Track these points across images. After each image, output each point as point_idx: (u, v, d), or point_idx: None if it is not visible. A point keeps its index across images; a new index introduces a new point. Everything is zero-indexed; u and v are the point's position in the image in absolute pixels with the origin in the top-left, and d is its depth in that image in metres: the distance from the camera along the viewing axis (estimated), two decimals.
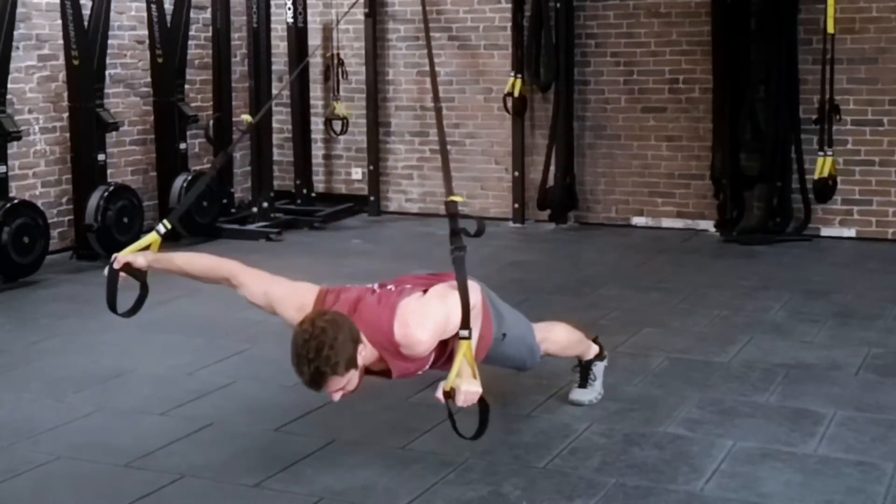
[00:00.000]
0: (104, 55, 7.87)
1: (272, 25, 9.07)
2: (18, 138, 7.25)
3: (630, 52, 8.77)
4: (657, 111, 8.73)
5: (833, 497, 3.63)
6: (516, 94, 8.87)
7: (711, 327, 5.79)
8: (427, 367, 3.89)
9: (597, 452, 4.05)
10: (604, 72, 8.88)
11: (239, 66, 9.40)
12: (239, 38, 9.36)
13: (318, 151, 9.90)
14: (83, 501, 3.75)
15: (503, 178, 9.24)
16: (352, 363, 3.58)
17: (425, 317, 3.71)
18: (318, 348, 3.49)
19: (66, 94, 7.82)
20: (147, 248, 4.12)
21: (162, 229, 4.19)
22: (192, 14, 8.80)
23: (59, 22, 7.63)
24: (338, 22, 9.49)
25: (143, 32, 8.45)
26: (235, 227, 8.76)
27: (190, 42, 8.78)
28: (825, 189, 7.94)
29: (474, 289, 3.77)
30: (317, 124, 9.76)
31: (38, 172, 7.84)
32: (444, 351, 3.81)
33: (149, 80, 8.56)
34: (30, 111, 7.76)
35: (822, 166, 7.85)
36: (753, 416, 4.42)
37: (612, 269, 7.35)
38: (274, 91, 8.96)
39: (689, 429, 4.27)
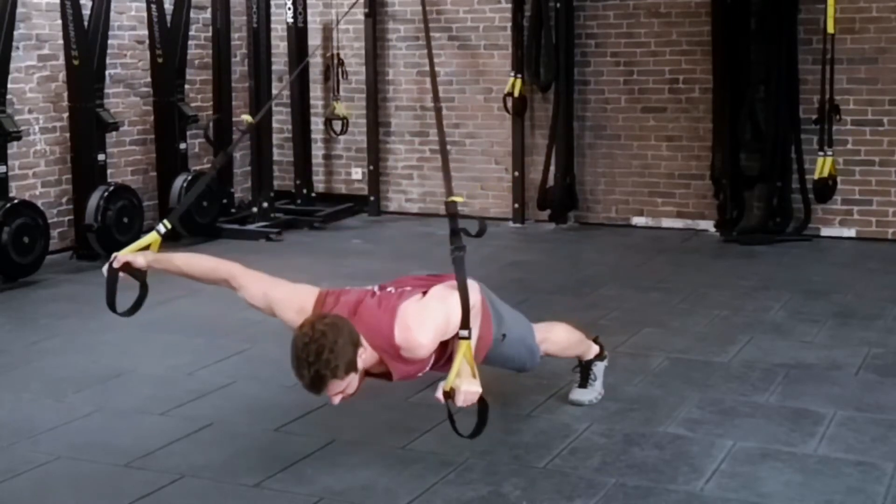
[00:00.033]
0: (104, 55, 7.87)
1: (272, 25, 9.07)
2: (18, 138, 7.25)
3: (630, 52, 8.77)
4: (657, 111, 8.73)
5: (833, 497, 3.63)
6: (516, 94, 8.87)
7: (711, 327, 5.79)
8: (427, 368, 3.89)
9: (597, 452, 4.05)
10: (604, 72, 8.88)
11: (239, 66, 9.40)
12: (239, 38, 9.37)
13: (318, 151, 9.90)
14: (83, 501, 3.75)
15: (503, 178, 9.24)
16: (352, 366, 3.58)
17: (425, 319, 3.70)
18: (318, 352, 3.49)
19: (66, 94, 7.82)
20: (147, 247, 4.12)
21: (162, 229, 4.19)
22: (192, 14, 8.80)
23: (59, 22, 7.63)
24: (338, 22, 9.49)
25: (143, 32, 8.45)
26: (235, 227, 8.76)
27: (190, 42, 8.78)
28: (825, 189, 7.94)
29: (473, 288, 3.77)
30: (317, 124, 9.76)
31: (38, 172, 7.84)
32: (444, 352, 3.81)
33: (149, 80, 8.56)
34: (30, 111, 7.76)
35: (822, 166, 7.85)
36: (753, 416, 4.42)
37: (612, 269, 7.35)
38: (274, 91, 8.96)
39: (689, 429, 4.27)
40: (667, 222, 8.76)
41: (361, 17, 9.44)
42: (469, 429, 3.69)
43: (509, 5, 8.97)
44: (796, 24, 8.12)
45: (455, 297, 3.69)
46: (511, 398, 4.58)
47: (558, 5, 8.68)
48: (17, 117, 7.37)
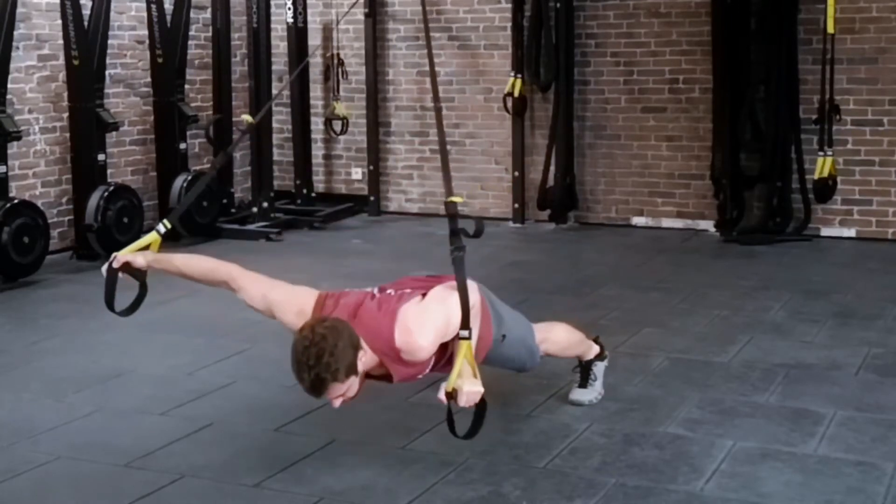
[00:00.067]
0: (104, 55, 7.87)
1: (272, 25, 9.07)
2: (18, 138, 7.25)
3: (630, 52, 8.77)
4: (657, 111, 8.73)
5: (833, 497, 3.63)
6: (516, 94, 8.87)
7: (711, 327, 5.79)
8: (427, 370, 3.89)
9: (597, 452, 4.05)
10: (604, 72, 8.88)
11: (239, 66, 9.40)
12: (239, 38, 9.36)
13: (318, 151, 9.90)
14: (83, 501, 3.74)
15: (503, 178, 9.24)
16: (352, 369, 3.58)
17: (425, 322, 3.70)
18: (318, 355, 3.49)
19: (66, 94, 7.82)
20: (147, 247, 4.12)
21: (162, 229, 4.19)
22: (192, 14, 8.80)
23: (59, 22, 7.63)
24: (338, 22, 9.50)
25: (143, 32, 8.45)
26: (235, 227, 8.76)
27: (190, 42, 8.78)
28: (825, 189, 7.94)
29: (473, 289, 3.77)
30: (317, 124, 9.76)
31: (38, 172, 7.84)
32: (445, 353, 3.81)
33: (149, 80, 8.56)
34: (30, 111, 7.76)
35: (822, 166, 7.85)
36: (753, 416, 4.42)
37: (612, 269, 7.35)
38: (274, 91, 8.96)
39: (689, 429, 4.27)
40: (667, 222, 8.76)
41: (361, 17, 9.44)
42: (466, 430, 3.69)
43: (509, 5, 8.97)
44: (796, 24, 8.12)
45: (454, 299, 3.68)
46: (511, 398, 4.58)
47: (558, 5, 8.68)
48: (17, 117, 7.37)
